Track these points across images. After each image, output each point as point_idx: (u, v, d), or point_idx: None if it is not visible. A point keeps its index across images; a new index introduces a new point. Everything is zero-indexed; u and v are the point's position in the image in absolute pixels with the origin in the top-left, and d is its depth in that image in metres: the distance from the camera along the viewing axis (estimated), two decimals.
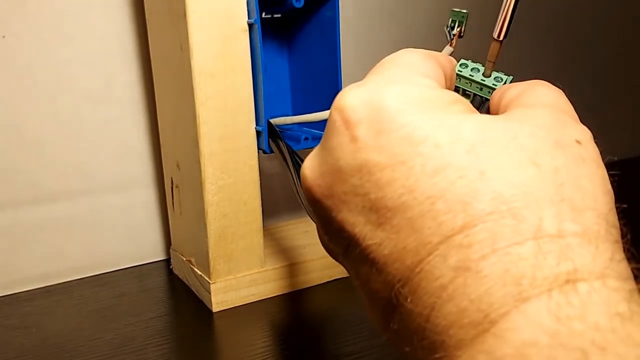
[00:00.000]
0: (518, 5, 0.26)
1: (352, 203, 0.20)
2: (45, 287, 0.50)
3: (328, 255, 0.47)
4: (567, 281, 0.16)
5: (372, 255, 0.20)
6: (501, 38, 0.26)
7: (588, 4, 0.73)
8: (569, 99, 0.23)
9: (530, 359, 0.15)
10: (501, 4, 0.26)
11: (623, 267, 0.18)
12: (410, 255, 0.19)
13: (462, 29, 0.29)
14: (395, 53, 0.24)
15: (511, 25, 0.26)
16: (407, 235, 0.19)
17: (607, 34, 0.75)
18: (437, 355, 0.18)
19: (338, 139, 0.21)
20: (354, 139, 0.20)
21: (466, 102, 0.22)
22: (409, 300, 0.19)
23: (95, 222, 0.52)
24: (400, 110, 0.20)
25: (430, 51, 0.25)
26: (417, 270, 0.18)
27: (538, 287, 0.16)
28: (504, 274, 0.17)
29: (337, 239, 0.22)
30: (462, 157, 0.19)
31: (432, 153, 0.19)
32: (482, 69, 0.27)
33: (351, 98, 0.21)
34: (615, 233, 0.19)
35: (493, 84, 0.27)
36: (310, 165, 0.22)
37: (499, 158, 0.19)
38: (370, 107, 0.20)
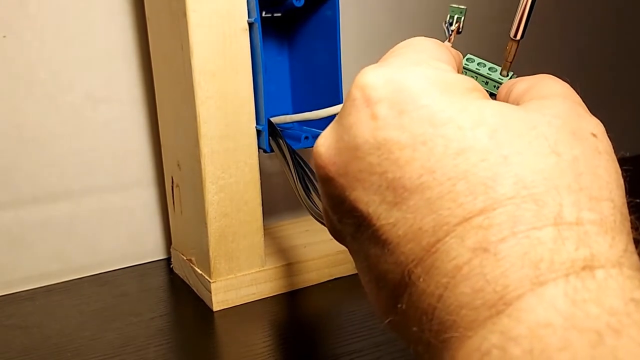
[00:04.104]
0: (535, 5, 0.26)
1: (368, 181, 0.20)
2: (46, 286, 0.50)
3: (328, 254, 0.48)
4: (585, 267, 0.16)
5: (385, 236, 0.20)
6: (518, 37, 0.27)
7: (589, 3, 0.73)
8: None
9: (545, 340, 0.15)
10: (518, 3, 0.26)
11: (636, 258, 0.18)
12: (426, 236, 0.19)
13: (461, 25, 0.29)
14: (409, 39, 0.24)
15: (528, 24, 0.26)
16: (424, 216, 0.19)
17: (608, 32, 0.76)
18: (446, 335, 0.18)
19: (357, 116, 0.21)
20: (374, 116, 0.20)
21: (483, 91, 0.22)
22: (421, 279, 0.19)
23: (96, 222, 0.52)
24: (423, 91, 0.20)
25: (440, 41, 0.25)
26: (432, 250, 0.18)
27: (555, 271, 0.16)
28: (522, 256, 0.17)
29: (348, 218, 0.22)
30: (484, 141, 0.19)
31: (454, 135, 0.19)
32: (487, 64, 0.27)
33: (373, 76, 0.21)
34: (628, 225, 0.19)
35: (499, 78, 0.27)
36: (324, 143, 0.22)
37: (521, 145, 0.19)
38: (392, 86, 0.20)
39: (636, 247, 0.18)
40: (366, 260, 0.22)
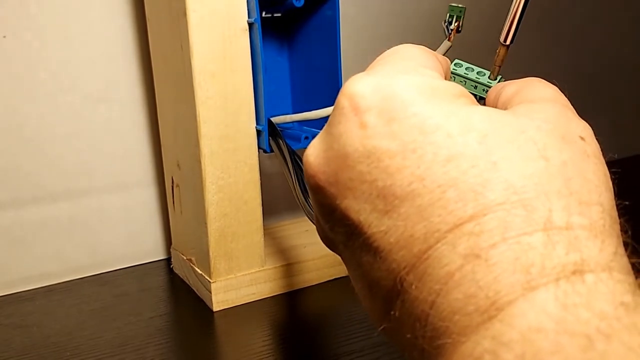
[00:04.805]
0: (526, 10, 0.26)
1: (358, 190, 0.20)
2: (46, 286, 0.50)
3: (328, 254, 0.48)
4: (575, 272, 0.17)
5: (376, 244, 0.20)
6: (508, 42, 0.27)
7: (590, 3, 0.73)
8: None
9: (536, 344, 0.15)
10: (509, 8, 0.26)
11: (625, 261, 0.18)
12: (417, 243, 0.19)
13: (460, 24, 0.29)
14: (396, 46, 0.24)
15: (518, 29, 0.26)
16: (415, 223, 0.19)
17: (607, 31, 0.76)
18: (439, 342, 0.18)
19: (346, 125, 0.21)
20: (363, 125, 0.20)
21: (471, 97, 0.22)
22: (413, 286, 0.19)
23: (96, 222, 0.52)
24: (411, 98, 0.20)
25: (427, 48, 0.25)
26: (424, 257, 0.19)
27: (546, 276, 0.16)
28: (513, 262, 0.17)
29: (340, 227, 0.22)
30: (474, 147, 0.19)
31: (443, 142, 0.19)
32: (476, 68, 0.27)
33: (361, 85, 0.21)
34: (617, 228, 0.19)
35: (488, 82, 0.27)
36: (314, 152, 0.22)
37: (510, 150, 0.19)
38: (380, 94, 0.20)
39: (626, 250, 0.18)
40: (359, 267, 0.22)
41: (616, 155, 0.22)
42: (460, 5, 0.29)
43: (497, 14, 0.30)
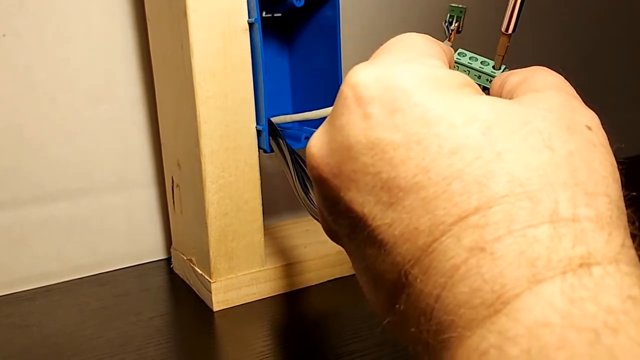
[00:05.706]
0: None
1: (362, 182, 0.20)
2: (46, 286, 0.50)
3: (328, 254, 0.48)
4: (581, 265, 0.16)
5: (381, 236, 0.20)
6: (509, 32, 0.26)
7: (595, 2, 0.73)
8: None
9: (543, 339, 0.15)
10: None
11: (633, 253, 0.18)
12: (422, 236, 0.18)
13: (460, 24, 0.29)
14: (400, 35, 0.24)
15: (519, 19, 0.26)
16: (420, 216, 0.19)
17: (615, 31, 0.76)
18: (445, 336, 0.18)
19: (349, 117, 0.20)
20: (366, 116, 0.20)
21: (476, 86, 0.21)
22: (418, 280, 0.19)
23: (96, 222, 0.52)
24: (414, 89, 0.20)
25: (431, 37, 0.25)
26: (429, 250, 0.18)
27: (552, 269, 0.16)
28: (519, 255, 0.17)
29: (344, 219, 0.21)
30: (477, 139, 0.19)
31: (447, 133, 0.19)
32: (479, 58, 0.27)
33: (364, 75, 0.21)
34: (625, 220, 0.19)
35: (492, 72, 0.27)
36: (317, 144, 0.22)
37: (514, 141, 0.19)
38: (383, 84, 0.20)
39: (633, 242, 0.18)
40: (363, 261, 0.21)
41: (623, 145, 0.21)
42: (460, 6, 0.29)
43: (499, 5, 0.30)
